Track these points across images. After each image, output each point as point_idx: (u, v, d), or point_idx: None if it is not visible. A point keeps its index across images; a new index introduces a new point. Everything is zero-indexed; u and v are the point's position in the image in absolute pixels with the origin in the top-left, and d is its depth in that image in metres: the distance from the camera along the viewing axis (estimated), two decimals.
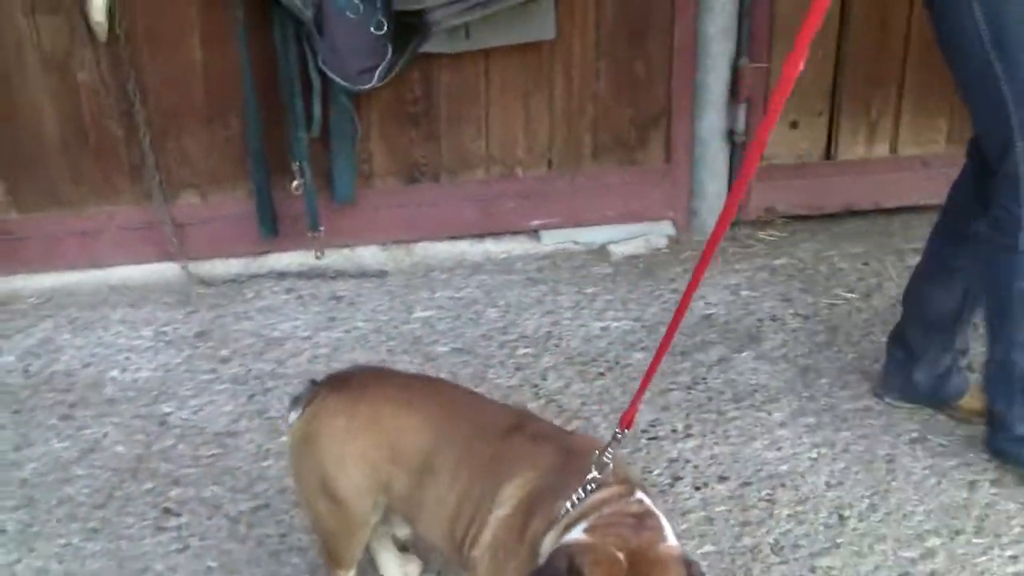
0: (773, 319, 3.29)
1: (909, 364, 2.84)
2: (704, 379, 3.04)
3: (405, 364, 3.10)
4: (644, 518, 1.81)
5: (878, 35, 3.45)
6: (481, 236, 3.57)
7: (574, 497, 1.85)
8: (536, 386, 3.02)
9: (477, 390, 2.90)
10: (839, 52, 3.45)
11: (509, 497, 1.95)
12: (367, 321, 3.30)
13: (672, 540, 1.76)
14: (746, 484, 2.69)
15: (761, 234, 3.68)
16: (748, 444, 2.82)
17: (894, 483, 2.69)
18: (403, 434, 2.05)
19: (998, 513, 2.60)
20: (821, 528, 2.56)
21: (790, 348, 3.16)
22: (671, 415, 2.91)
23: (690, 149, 3.50)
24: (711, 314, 3.30)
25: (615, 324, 3.27)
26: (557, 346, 3.18)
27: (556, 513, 1.86)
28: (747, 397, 2.97)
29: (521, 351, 3.16)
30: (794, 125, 3.52)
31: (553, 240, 3.58)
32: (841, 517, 2.60)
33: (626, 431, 1.94)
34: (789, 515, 2.61)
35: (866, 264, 3.54)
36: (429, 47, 3.18)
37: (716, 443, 2.81)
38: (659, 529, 1.79)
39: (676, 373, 3.07)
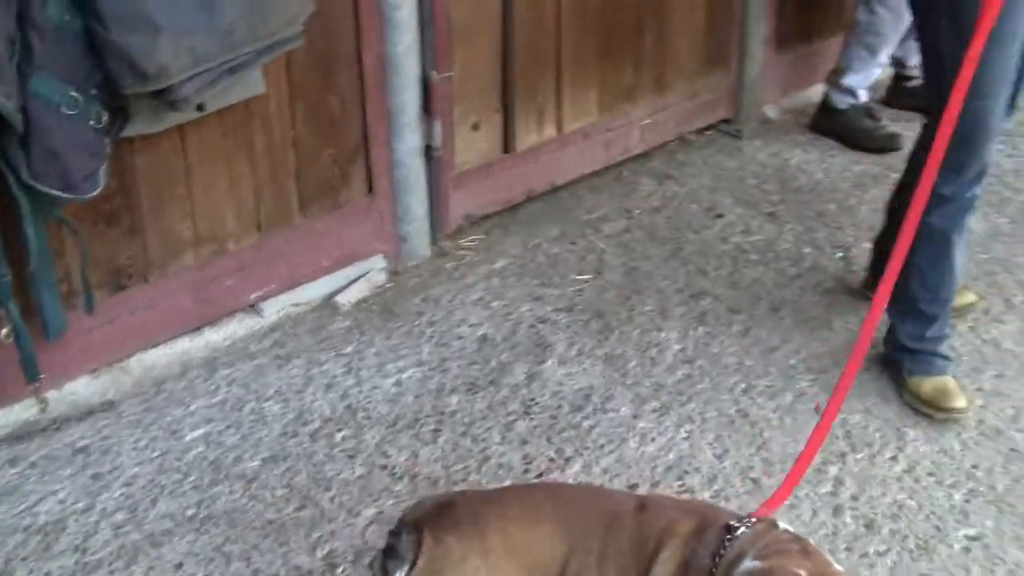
0: (542, 321, 3.35)
1: None
2: (534, 400, 3.04)
3: (227, 496, 2.73)
4: (804, 544, 1.87)
5: (535, 23, 3.59)
6: (198, 328, 3.18)
7: (721, 549, 1.84)
8: (385, 467, 2.82)
9: (327, 494, 2.69)
10: (505, 47, 3.53)
11: (660, 574, 1.88)
12: (140, 464, 2.83)
13: (837, 566, 1.83)
14: (655, 484, 2.77)
15: (463, 242, 3.70)
16: (623, 447, 2.89)
17: (766, 434, 2.93)
18: (538, 552, 1.90)
19: (863, 429, 2.95)
20: (744, 498, 2.73)
21: (580, 343, 3.26)
22: (535, 447, 2.89)
23: (391, 175, 3.39)
24: (484, 335, 3.28)
25: (404, 376, 3.13)
26: (368, 418, 2.98)
27: (708, 568, 1.85)
28: (585, 404, 3.03)
29: (339, 436, 2.92)
30: (475, 127, 3.56)
31: (274, 309, 3.31)
32: (753, 481, 2.78)
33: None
34: (711, 497, 2.74)
35: (574, 243, 3.72)
36: (128, 130, 2.76)
37: (598, 458, 2.85)
38: (822, 554, 1.85)
39: (503, 403, 3.04)
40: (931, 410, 2.97)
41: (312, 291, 3.40)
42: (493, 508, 1.94)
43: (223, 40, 2.58)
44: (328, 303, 3.44)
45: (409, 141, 3.40)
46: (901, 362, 3.06)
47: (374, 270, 3.50)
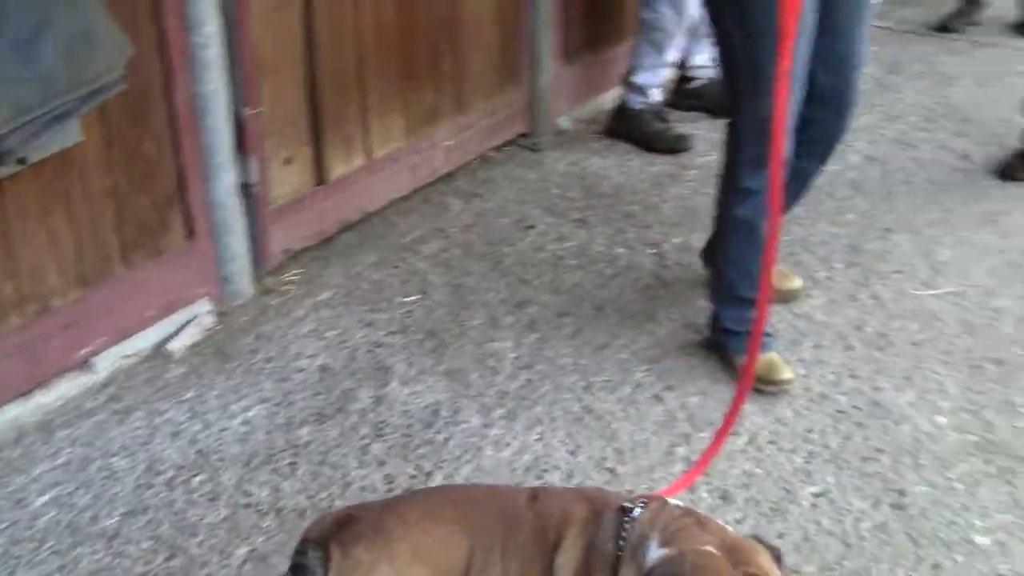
0: (378, 345, 3.41)
1: None
2: (384, 422, 3.10)
3: (90, 556, 2.67)
4: (697, 516, 1.99)
5: (338, 54, 3.65)
6: (27, 392, 3.09)
7: (622, 532, 1.95)
8: (249, 505, 2.82)
9: (195, 540, 2.68)
10: (311, 79, 3.57)
11: (565, 564, 1.97)
12: None
13: (729, 529, 1.97)
14: (518, 486, 2.86)
15: (285, 277, 3.72)
16: (479, 455, 2.99)
17: (613, 425, 3.08)
18: (442, 554, 1.96)
19: (701, 409, 3.14)
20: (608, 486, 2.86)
21: (419, 363, 3.34)
22: (394, 467, 2.94)
23: (209, 216, 3.37)
24: (323, 365, 3.32)
25: (250, 414, 3.14)
26: (222, 460, 2.97)
27: (613, 553, 1.94)
28: (434, 419, 3.11)
29: (196, 481, 2.90)
30: (288, 161, 3.58)
31: (106, 364, 3.24)
32: (610, 471, 2.91)
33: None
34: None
35: (395, 267, 3.80)
36: None
37: (457, 468, 2.94)
38: (715, 522, 1.98)
39: (353, 428, 3.08)
40: (761, 384, 3.17)
41: (142, 341, 3.35)
42: (394, 516, 1.99)
43: (44, 88, 2.54)
44: (160, 352, 3.39)
45: (225, 180, 3.40)
46: (727, 344, 3.26)
47: (201, 313, 3.47)
